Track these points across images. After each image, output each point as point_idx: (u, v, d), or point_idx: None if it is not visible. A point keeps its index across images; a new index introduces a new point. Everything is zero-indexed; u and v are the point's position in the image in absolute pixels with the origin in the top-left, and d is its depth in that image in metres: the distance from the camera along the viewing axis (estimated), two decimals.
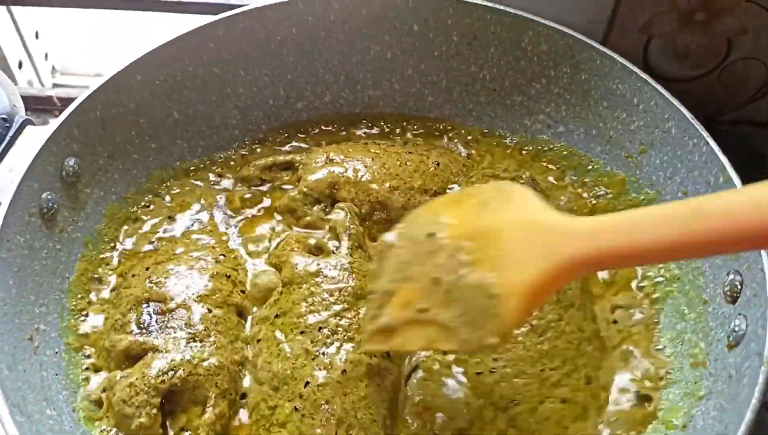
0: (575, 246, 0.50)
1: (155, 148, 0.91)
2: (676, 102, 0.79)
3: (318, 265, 0.78)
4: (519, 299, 0.53)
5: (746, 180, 0.70)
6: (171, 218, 0.90)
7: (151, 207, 0.91)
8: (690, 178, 0.77)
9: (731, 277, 0.69)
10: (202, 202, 0.92)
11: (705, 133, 0.75)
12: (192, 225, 0.89)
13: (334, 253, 0.81)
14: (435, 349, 0.68)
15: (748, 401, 0.56)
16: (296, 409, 0.68)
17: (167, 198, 0.92)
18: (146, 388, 0.70)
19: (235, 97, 0.96)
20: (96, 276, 0.84)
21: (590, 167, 0.91)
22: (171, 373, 0.70)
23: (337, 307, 0.74)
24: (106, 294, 0.83)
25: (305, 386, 0.69)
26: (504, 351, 0.71)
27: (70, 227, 0.82)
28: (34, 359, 0.72)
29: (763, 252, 0.65)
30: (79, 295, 0.81)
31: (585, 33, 0.88)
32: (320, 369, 0.70)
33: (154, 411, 0.69)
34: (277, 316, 0.76)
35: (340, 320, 0.73)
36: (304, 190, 0.88)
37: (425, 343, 0.60)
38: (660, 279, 0.80)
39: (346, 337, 0.72)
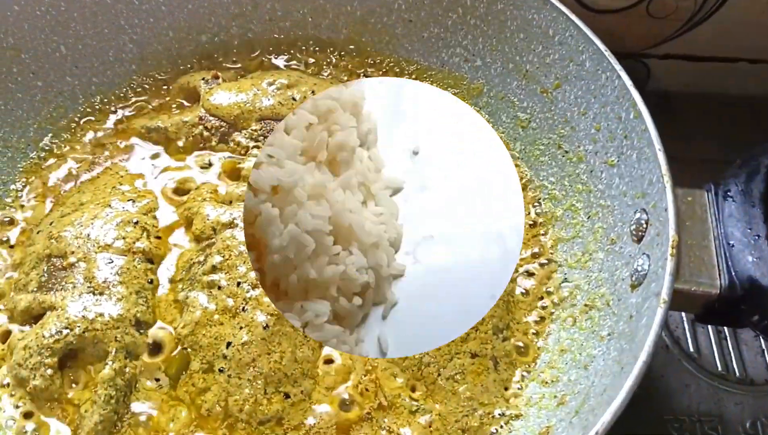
0: None
1: (41, 86, 0.85)
2: (590, 33, 0.76)
3: (231, 214, 0.75)
4: None
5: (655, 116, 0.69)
6: (72, 164, 0.84)
7: (49, 152, 0.85)
8: (603, 114, 0.75)
9: (638, 215, 0.68)
10: (105, 143, 0.86)
11: (618, 67, 0.73)
12: (97, 170, 0.84)
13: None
14: None
15: (643, 343, 0.56)
16: (221, 370, 0.66)
17: (64, 142, 0.86)
18: (40, 349, 0.66)
19: (130, 29, 0.89)
20: None
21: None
22: (66, 331, 0.67)
23: None
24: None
25: (227, 347, 0.66)
26: None
27: None
28: None
29: (667, 188, 0.63)
30: None
31: None
32: (242, 327, 0.67)
33: (50, 371, 0.66)
34: (191, 274, 0.72)
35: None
36: (201, 113, 0.84)
37: None
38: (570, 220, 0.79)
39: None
